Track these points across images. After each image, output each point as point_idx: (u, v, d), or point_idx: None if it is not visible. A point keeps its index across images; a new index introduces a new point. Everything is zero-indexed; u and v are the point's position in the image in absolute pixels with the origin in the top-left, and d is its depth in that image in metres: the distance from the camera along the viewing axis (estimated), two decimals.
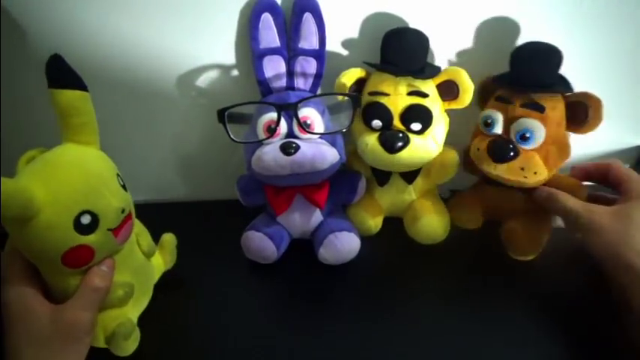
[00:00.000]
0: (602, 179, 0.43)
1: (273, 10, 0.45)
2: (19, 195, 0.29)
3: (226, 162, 0.56)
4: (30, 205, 0.29)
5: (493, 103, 0.44)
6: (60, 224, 0.31)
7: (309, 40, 0.46)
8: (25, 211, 0.29)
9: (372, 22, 0.47)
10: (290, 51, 0.47)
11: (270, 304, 0.45)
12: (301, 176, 0.42)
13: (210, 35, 0.48)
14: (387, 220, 0.52)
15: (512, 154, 0.41)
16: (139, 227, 0.41)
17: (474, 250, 0.50)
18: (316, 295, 0.46)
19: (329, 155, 0.43)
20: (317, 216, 0.48)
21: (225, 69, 0.50)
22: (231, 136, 0.44)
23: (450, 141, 0.47)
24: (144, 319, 0.41)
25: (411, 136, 0.44)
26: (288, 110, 0.43)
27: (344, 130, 0.45)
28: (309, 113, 0.44)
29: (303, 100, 0.43)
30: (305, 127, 0.43)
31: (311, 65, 0.47)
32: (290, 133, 0.44)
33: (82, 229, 0.32)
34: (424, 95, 0.44)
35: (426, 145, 0.45)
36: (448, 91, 0.45)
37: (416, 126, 0.44)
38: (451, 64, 0.50)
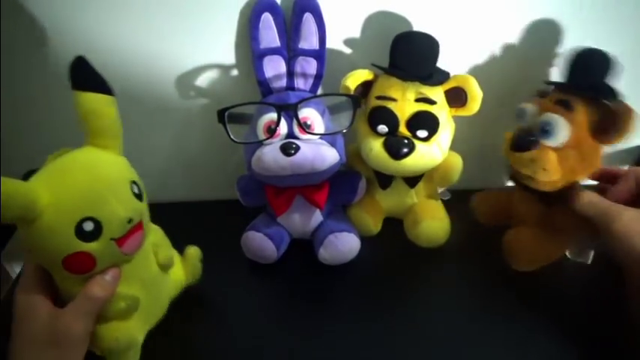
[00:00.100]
0: (610, 182, 0.43)
1: (274, 10, 0.45)
2: (20, 196, 0.28)
3: (226, 162, 0.56)
4: (33, 207, 0.29)
5: (533, 99, 0.43)
6: (61, 229, 0.30)
7: (309, 40, 0.46)
8: (27, 212, 0.29)
9: (373, 22, 0.47)
10: (290, 51, 0.47)
11: (270, 304, 0.45)
12: (301, 177, 0.42)
13: (210, 35, 0.48)
14: (387, 221, 0.52)
15: (529, 144, 0.40)
16: (159, 238, 0.40)
17: (474, 251, 0.50)
18: (316, 295, 0.46)
19: (329, 156, 0.43)
20: (317, 216, 0.48)
21: (225, 69, 0.50)
22: (232, 137, 0.44)
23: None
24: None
25: (416, 142, 0.44)
26: (289, 111, 0.43)
27: (344, 131, 0.45)
28: (310, 114, 0.44)
29: (304, 101, 0.43)
30: (305, 127, 0.43)
31: (311, 65, 0.47)
32: (290, 134, 0.44)
33: (84, 235, 0.31)
34: (432, 102, 0.43)
35: (431, 152, 0.44)
36: (456, 98, 0.44)
37: (422, 133, 0.44)
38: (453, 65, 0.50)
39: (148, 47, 0.48)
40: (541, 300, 0.44)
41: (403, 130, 0.44)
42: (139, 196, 0.34)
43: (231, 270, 0.48)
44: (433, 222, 0.48)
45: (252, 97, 0.48)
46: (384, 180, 0.49)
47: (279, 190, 0.46)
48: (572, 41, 0.49)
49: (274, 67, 0.47)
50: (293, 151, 0.41)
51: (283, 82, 0.47)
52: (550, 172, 0.40)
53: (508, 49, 0.50)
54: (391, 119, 0.44)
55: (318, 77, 0.47)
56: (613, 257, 0.38)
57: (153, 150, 0.56)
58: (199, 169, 0.58)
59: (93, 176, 0.31)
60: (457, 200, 0.54)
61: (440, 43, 0.43)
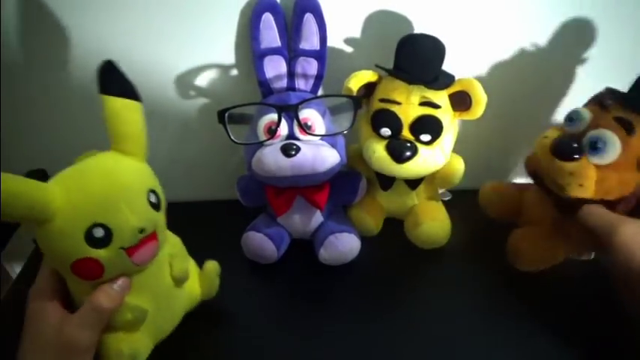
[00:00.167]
0: None
1: (274, 10, 0.45)
2: (25, 196, 0.28)
3: (226, 162, 0.56)
4: (46, 208, 0.29)
5: (589, 104, 0.40)
6: (71, 232, 0.30)
7: (310, 40, 0.46)
8: (40, 213, 0.29)
9: (374, 22, 0.47)
10: (291, 51, 0.47)
11: (271, 304, 0.46)
12: (301, 178, 0.42)
13: (210, 35, 0.47)
14: (388, 221, 0.52)
15: (572, 154, 0.37)
16: (177, 250, 0.39)
17: (474, 251, 0.50)
18: (316, 296, 0.46)
19: (329, 157, 0.43)
20: (317, 217, 0.48)
21: (225, 69, 0.50)
22: (232, 137, 0.44)
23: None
24: None
25: (419, 146, 0.43)
26: (289, 111, 0.43)
27: (345, 132, 0.45)
28: (310, 114, 0.44)
29: (304, 102, 0.43)
30: (306, 128, 0.43)
31: (312, 66, 0.47)
32: (291, 135, 0.44)
33: (93, 241, 0.30)
34: (436, 106, 0.43)
35: (434, 156, 0.44)
36: (460, 101, 0.44)
37: (425, 137, 0.44)
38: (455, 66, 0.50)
39: (148, 47, 0.47)
40: (541, 300, 0.44)
41: (406, 133, 0.44)
42: (155, 206, 0.33)
43: (232, 270, 0.48)
44: (434, 223, 0.48)
45: (252, 98, 0.48)
46: (386, 181, 0.49)
47: (279, 190, 0.46)
48: (572, 41, 0.50)
49: (275, 68, 0.47)
50: (293, 152, 0.41)
51: (284, 83, 0.47)
52: (586, 190, 0.38)
53: (509, 50, 0.50)
54: (394, 122, 0.44)
55: (319, 78, 0.47)
56: (612, 271, 0.38)
57: (153, 150, 0.56)
58: (199, 169, 0.58)
59: (109, 182, 0.31)
60: (458, 200, 0.55)
61: (443, 42, 0.43)
